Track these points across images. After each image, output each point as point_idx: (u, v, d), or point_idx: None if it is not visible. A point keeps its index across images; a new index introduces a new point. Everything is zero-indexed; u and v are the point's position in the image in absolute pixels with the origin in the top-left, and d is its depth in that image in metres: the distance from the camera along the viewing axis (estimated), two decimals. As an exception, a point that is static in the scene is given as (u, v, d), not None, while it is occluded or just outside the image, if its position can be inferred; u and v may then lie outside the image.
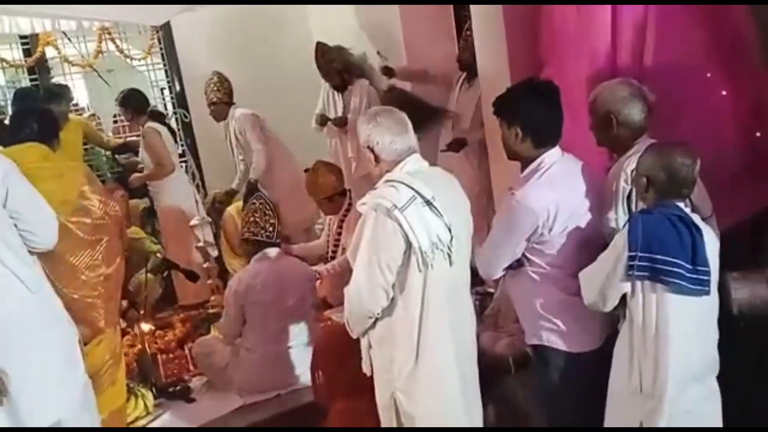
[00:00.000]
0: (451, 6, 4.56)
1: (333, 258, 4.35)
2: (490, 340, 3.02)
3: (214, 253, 4.79)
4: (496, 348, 2.97)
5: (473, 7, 3.54)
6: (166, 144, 4.70)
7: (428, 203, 1.98)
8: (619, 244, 2.01)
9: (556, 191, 2.14)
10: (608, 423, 2.16)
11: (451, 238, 2.02)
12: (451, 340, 2.10)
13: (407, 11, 4.54)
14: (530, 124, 2.17)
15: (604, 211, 2.25)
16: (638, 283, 2.00)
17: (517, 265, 2.23)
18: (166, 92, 6.07)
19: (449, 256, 2.03)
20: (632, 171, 2.18)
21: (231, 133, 4.95)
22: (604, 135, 2.37)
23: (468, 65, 4.05)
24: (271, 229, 3.37)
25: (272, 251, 3.37)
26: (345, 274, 4.00)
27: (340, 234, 4.34)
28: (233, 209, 4.87)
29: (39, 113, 2.94)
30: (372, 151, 2.09)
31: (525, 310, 2.31)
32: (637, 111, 2.29)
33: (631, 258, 1.96)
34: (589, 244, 2.18)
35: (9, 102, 5.04)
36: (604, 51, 2.66)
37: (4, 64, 5.58)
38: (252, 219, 3.39)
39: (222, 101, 4.87)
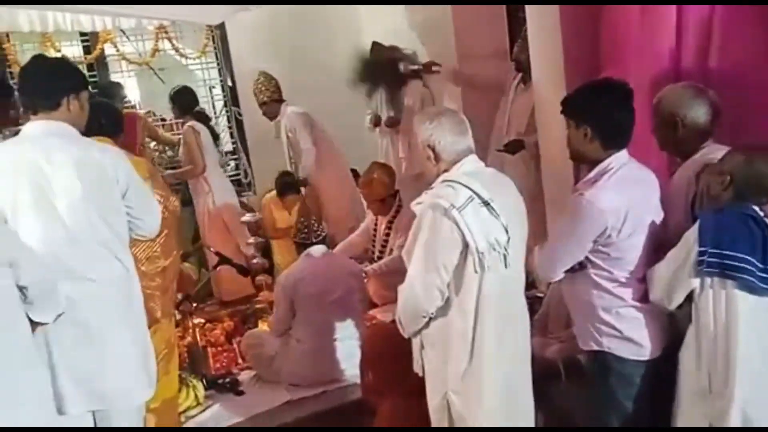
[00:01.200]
0: (504, 6, 4.52)
1: (380, 258, 4.39)
2: (540, 345, 2.97)
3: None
4: (546, 353, 2.93)
5: (528, 8, 3.50)
6: (203, 144, 4.75)
7: (486, 204, 1.98)
8: (690, 239, 1.98)
9: (625, 195, 2.10)
10: (678, 425, 2.13)
11: (508, 239, 2.01)
12: (505, 342, 2.09)
13: (459, 11, 4.52)
14: (601, 124, 2.12)
15: (670, 217, 2.20)
16: (707, 280, 1.97)
17: (579, 267, 2.20)
18: (215, 91, 6.19)
19: (505, 257, 2.01)
20: (698, 175, 2.15)
21: (282, 131, 5.01)
22: (668, 138, 2.33)
23: (525, 65, 4.01)
24: (306, 230, 3.51)
25: (318, 248, 3.48)
26: (391, 274, 4.10)
27: (388, 235, 4.37)
28: (269, 198, 4.93)
29: (105, 108, 3.03)
30: (433, 150, 2.08)
31: (584, 315, 2.26)
32: (702, 114, 2.25)
33: (700, 254, 1.93)
34: (654, 249, 2.14)
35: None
36: (668, 53, 2.61)
37: (66, 61, 5.78)
38: (295, 221, 3.58)
39: (272, 99, 4.93)
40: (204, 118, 5.08)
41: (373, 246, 4.50)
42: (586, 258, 2.17)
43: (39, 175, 2.18)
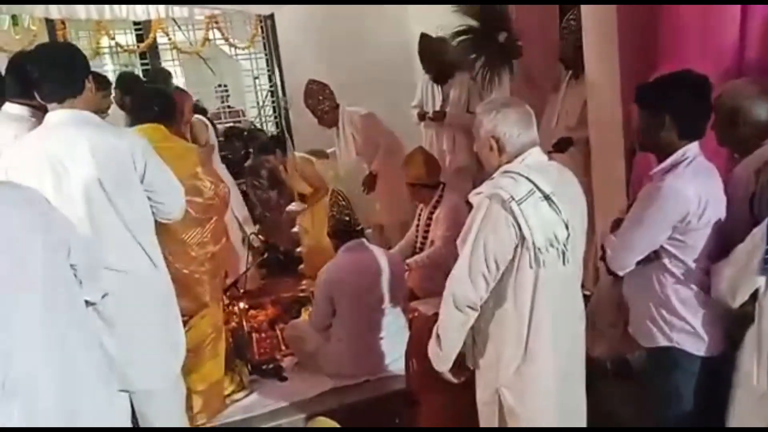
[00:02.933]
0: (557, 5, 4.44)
1: (421, 250, 4.39)
2: (588, 344, 2.94)
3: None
4: (594, 352, 2.89)
5: (584, 6, 3.44)
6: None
7: (547, 198, 1.94)
8: (756, 237, 1.93)
9: (703, 183, 2.08)
10: (733, 425, 2.08)
11: (568, 235, 1.97)
12: (560, 340, 2.06)
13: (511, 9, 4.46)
14: (680, 114, 2.09)
15: (728, 214, 2.15)
16: None
17: (654, 256, 2.16)
18: (259, 81, 6.25)
19: (564, 254, 1.98)
20: (757, 172, 2.09)
21: (346, 134, 4.95)
22: (728, 134, 2.28)
23: (572, 62, 3.94)
24: (347, 219, 3.43)
25: (357, 242, 3.42)
26: (433, 266, 4.10)
27: (429, 226, 4.36)
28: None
29: (160, 95, 3.09)
30: (497, 141, 2.04)
31: (653, 310, 2.21)
32: (764, 111, 2.20)
33: (767, 252, 1.88)
34: (726, 243, 2.10)
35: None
36: (731, 48, 2.53)
37: (119, 48, 5.93)
38: (331, 213, 3.52)
39: (331, 107, 4.87)
40: (202, 111, 5.08)
41: (416, 237, 4.50)
42: (661, 247, 2.13)
43: (60, 167, 2.20)
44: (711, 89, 2.11)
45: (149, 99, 3.01)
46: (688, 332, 2.16)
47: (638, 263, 2.19)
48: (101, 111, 3.90)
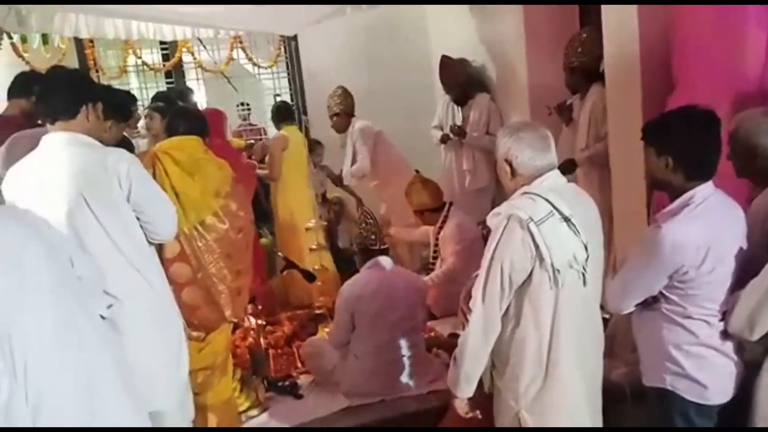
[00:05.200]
0: (578, 20, 4.46)
1: (432, 268, 4.43)
2: (606, 368, 2.91)
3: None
4: (613, 376, 2.86)
5: (605, 23, 3.45)
6: None
7: (566, 220, 1.94)
8: None
9: (708, 229, 1.99)
10: None
11: (587, 257, 1.97)
12: (581, 362, 2.05)
13: (531, 25, 4.49)
14: (685, 155, 2.01)
15: (747, 247, 2.09)
16: None
17: (652, 301, 2.11)
18: (280, 99, 6.34)
19: (583, 275, 1.97)
20: None
21: (349, 143, 5.09)
22: (746, 167, 2.23)
23: (575, 83, 3.99)
24: (373, 237, 3.47)
25: (382, 260, 3.44)
26: (449, 283, 4.11)
27: (437, 245, 4.42)
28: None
29: (200, 115, 3.18)
30: (510, 165, 2.05)
31: (651, 350, 2.17)
32: None
33: None
34: (735, 285, 2.05)
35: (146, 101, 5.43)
36: (751, 74, 2.51)
37: (146, 67, 6.06)
38: (358, 231, 3.57)
39: (344, 112, 5.02)
40: None
41: (432, 256, 4.54)
42: (660, 292, 2.08)
43: (47, 188, 2.19)
44: (719, 124, 2.04)
45: (189, 116, 3.11)
46: (683, 376, 2.09)
47: (638, 304, 2.14)
48: (131, 128, 3.99)
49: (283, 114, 4.92)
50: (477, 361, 2.07)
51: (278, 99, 6.38)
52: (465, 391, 2.12)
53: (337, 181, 5.33)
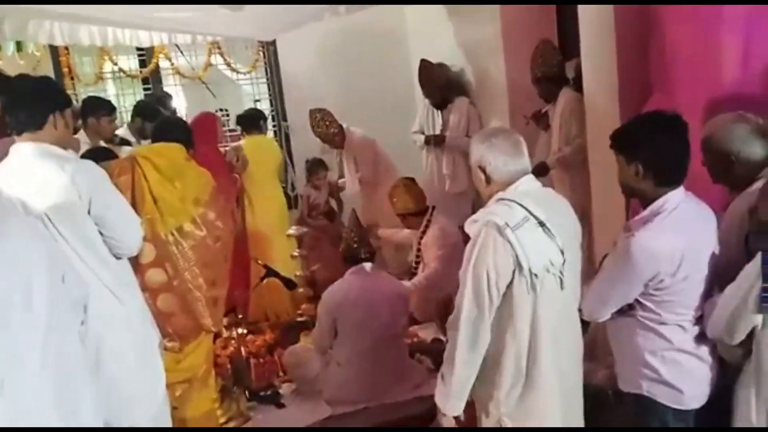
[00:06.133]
0: (555, 23, 4.49)
1: (415, 273, 4.43)
2: (588, 371, 2.91)
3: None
4: (594, 379, 2.86)
5: (582, 28, 3.47)
6: None
7: (541, 224, 1.94)
8: (751, 275, 1.89)
9: (682, 236, 1.99)
10: None
11: (564, 261, 1.97)
12: (561, 365, 2.04)
13: (509, 30, 4.51)
14: (653, 161, 2.00)
15: (724, 253, 2.09)
16: None
17: (628, 309, 2.11)
18: (260, 104, 6.31)
19: (561, 279, 1.97)
20: (751, 211, 2.03)
21: (350, 153, 5.06)
22: (722, 174, 2.23)
23: (546, 93, 4.06)
24: (357, 245, 3.48)
25: (365, 266, 3.45)
26: (432, 288, 4.11)
27: (420, 250, 4.43)
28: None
29: (184, 125, 3.20)
30: (483, 171, 2.05)
31: (627, 356, 2.17)
32: (757, 148, 2.15)
33: (765, 290, 1.84)
34: (710, 291, 2.06)
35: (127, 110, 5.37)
36: (727, 79, 2.52)
37: (122, 73, 5.99)
38: (344, 237, 3.60)
39: (339, 129, 4.98)
40: None
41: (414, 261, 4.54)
42: (635, 300, 2.07)
43: (12, 201, 2.11)
44: (686, 128, 2.03)
45: (173, 126, 3.14)
46: (659, 382, 2.09)
47: (614, 312, 2.14)
48: (109, 136, 3.96)
49: (244, 124, 4.92)
50: (467, 376, 2.04)
51: (258, 104, 6.36)
52: (456, 408, 2.08)
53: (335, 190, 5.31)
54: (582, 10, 3.44)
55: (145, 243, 2.60)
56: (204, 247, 2.83)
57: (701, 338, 2.09)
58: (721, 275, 2.06)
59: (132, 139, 4.66)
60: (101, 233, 2.28)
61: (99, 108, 4.06)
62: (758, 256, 1.89)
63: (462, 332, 1.99)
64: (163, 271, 2.75)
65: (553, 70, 4.03)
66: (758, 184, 2.11)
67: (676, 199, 2.03)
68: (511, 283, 1.95)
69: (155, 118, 4.19)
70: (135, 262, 2.60)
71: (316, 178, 5.21)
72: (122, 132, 4.70)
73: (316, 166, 5.23)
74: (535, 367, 1.99)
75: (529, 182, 2.05)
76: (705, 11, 2.59)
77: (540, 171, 3.90)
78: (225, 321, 3.60)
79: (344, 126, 4.99)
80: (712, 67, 2.59)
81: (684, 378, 2.09)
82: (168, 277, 2.76)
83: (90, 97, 4.46)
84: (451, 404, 2.07)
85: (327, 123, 4.96)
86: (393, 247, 5.05)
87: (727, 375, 2.10)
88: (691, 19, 2.67)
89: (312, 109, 4.98)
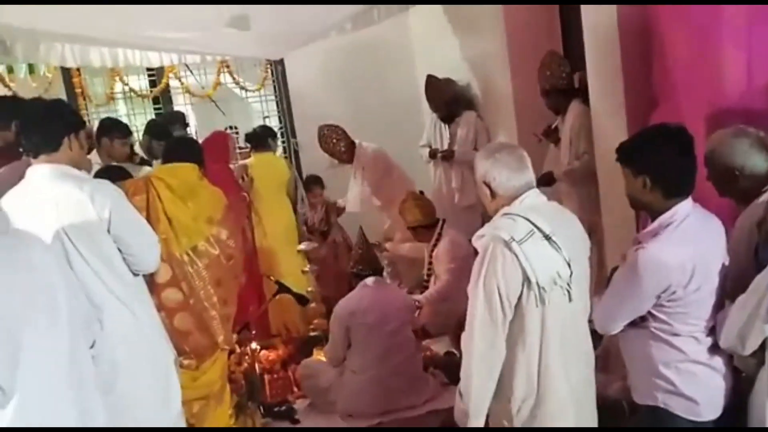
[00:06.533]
0: (560, 36, 4.52)
1: (426, 286, 4.47)
2: (602, 383, 2.90)
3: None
4: (609, 391, 2.86)
5: (587, 40, 3.50)
6: None
7: (547, 238, 1.95)
8: (762, 284, 1.89)
9: (692, 247, 1.99)
10: None
11: (571, 273, 1.98)
12: (572, 377, 2.04)
13: (514, 43, 4.54)
14: (661, 173, 2.01)
15: (733, 266, 2.10)
16: None
17: (640, 321, 2.11)
18: (269, 121, 6.37)
19: (569, 292, 1.98)
20: (759, 223, 2.06)
21: (359, 168, 5.03)
22: (727, 189, 2.25)
23: (555, 105, 4.04)
24: (364, 262, 3.62)
25: (373, 279, 3.55)
26: (443, 301, 4.13)
27: (431, 263, 4.46)
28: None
29: (196, 144, 3.24)
30: (488, 186, 2.07)
31: (641, 369, 2.17)
32: (760, 161, 2.17)
33: None
34: (722, 301, 2.06)
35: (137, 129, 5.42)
36: (731, 93, 2.53)
37: (132, 93, 6.06)
38: (354, 253, 3.73)
39: (347, 145, 4.97)
40: None
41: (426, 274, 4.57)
42: (648, 312, 2.08)
43: (30, 222, 2.10)
44: (692, 140, 2.04)
45: (185, 145, 3.15)
46: (674, 393, 2.09)
47: (627, 324, 2.14)
48: (121, 158, 4.01)
49: (253, 142, 4.96)
50: (485, 392, 2.03)
51: (267, 121, 6.41)
52: (475, 424, 2.06)
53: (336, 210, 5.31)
54: (586, 21, 3.47)
55: (161, 263, 2.63)
56: (217, 266, 2.85)
57: (715, 349, 2.09)
58: (732, 287, 2.06)
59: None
60: (120, 250, 2.32)
61: (115, 130, 4.12)
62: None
63: (477, 348, 1.99)
64: (179, 290, 2.78)
65: (561, 82, 3.99)
66: (765, 197, 2.13)
67: (685, 210, 2.03)
68: (520, 296, 1.96)
69: (163, 137, 4.24)
70: (151, 281, 2.63)
71: (311, 196, 5.22)
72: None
73: (311, 184, 5.25)
74: (545, 379, 2.00)
75: (535, 196, 2.06)
76: (708, 22, 2.62)
77: (546, 181, 3.93)
78: (235, 338, 3.61)
79: (357, 142, 4.97)
80: (715, 79, 2.60)
81: (699, 389, 2.08)
82: (184, 297, 2.78)
83: (107, 119, 4.52)
84: (470, 421, 2.06)
85: (334, 139, 4.96)
86: (407, 262, 5.05)
87: (743, 386, 2.10)
88: (692, 30, 2.69)
89: (321, 126, 5.00)
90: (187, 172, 2.92)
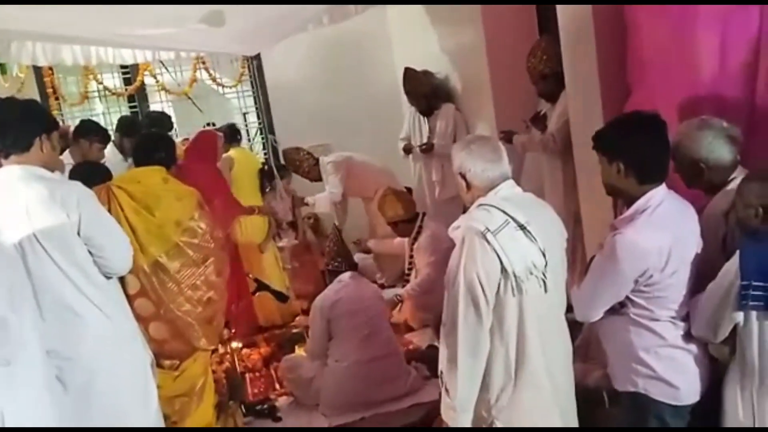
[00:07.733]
0: (537, 28, 4.52)
1: (407, 280, 4.49)
2: (582, 372, 2.91)
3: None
4: (589, 380, 2.87)
5: (562, 28, 3.49)
6: None
7: (522, 228, 1.95)
8: (731, 273, 1.91)
9: (668, 231, 2.01)
10: None
11: (546, 263, 1.98)
12: (550, 367, 2.04)
13: (492, 35, 4.53)
14: (634, 159, 2.04)
15: (703, 253, 2.11)
16: (752, 313, 1.90)
17: (620, 307, 2.12)
18: (249, 117, 6.33)
19: (544, 282, 1.98)
20: (726, 213, 2.08)
21: (324, 176, 5.19)
22: (694, 180, 2.26)
23: (547, 91, 3.99)
24: (339, 260, 3.69)
25: (349, 275, 3.61)
26: (425, 294, 4.13)
27: (412, 257, 4.48)
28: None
29: (166, 141, 3.15)
30: (464, 177, 2.08)
31: (621, 355, 2.18)
32: (725, 153, 2.19)
33: (744, 287, 1.87)
34: (697, 286, 2.08)
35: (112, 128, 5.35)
36: (705, 79, 2.52)
37: (107, 92, 5.97)
38: (328, 250, 3.78)
39: (310, 165, 5.14)
40: None
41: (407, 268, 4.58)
42: (627, 297, 2.09)
43: (4, 227, 2.15)
44: (665, 127, 2.07)
45: (153, 144, 3.07)
46: (654, 378, 2.11)
47: (606, 311, 2.15)
48: (91, 160, 3.95)
49: (227, 136, 4.92)
50: (472, 385, 2.01)
51: (246, 117, 6.37)
52: (464, 420, 2.04)
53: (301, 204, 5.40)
54: (561, 13, 3.46)
55: (129, 275, 2.60)
56: (192, 269, 2.81)
57: (692, 334, 2.11)
58: (701, 275, 2.08)
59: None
60: (90, 253, 2.29)
61: (93, 133, 4.09)
62: (736, 255, 1.93)
63: (462, 340, 1.97)
64: (149, 300, 2.74)
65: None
66: (733, 185, 2.14)
67: (660, 196, 2.06)
68: (497, 286, 1.96)
69: (134, 134, 4.19)
70: (125, 291, 2.60)
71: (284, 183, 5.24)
72: (110, 149, 4.68)
73: (282, 170, 5.25)
74: (523, 369, 2.00)
75: (510, 187, 2.07)
76: (681, 9, 2.62)
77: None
78: (226, 333, 3.61)
79: (320, 159, 5.14)
80: (688, 65, 2.61)
81: (679, 373, 2.10)
82: (155, 307, 2.75)
83: (88, 121, 4.47)
84: (459, 417, 2.03)
85: (297, 161, 5.14)
86: (389, 257, 5.06)
87: (718, 371, 2.11)
88: (666, 17, 2.69)
89: (284, 149, 5.16)
90: (149, 176, 2.85)
